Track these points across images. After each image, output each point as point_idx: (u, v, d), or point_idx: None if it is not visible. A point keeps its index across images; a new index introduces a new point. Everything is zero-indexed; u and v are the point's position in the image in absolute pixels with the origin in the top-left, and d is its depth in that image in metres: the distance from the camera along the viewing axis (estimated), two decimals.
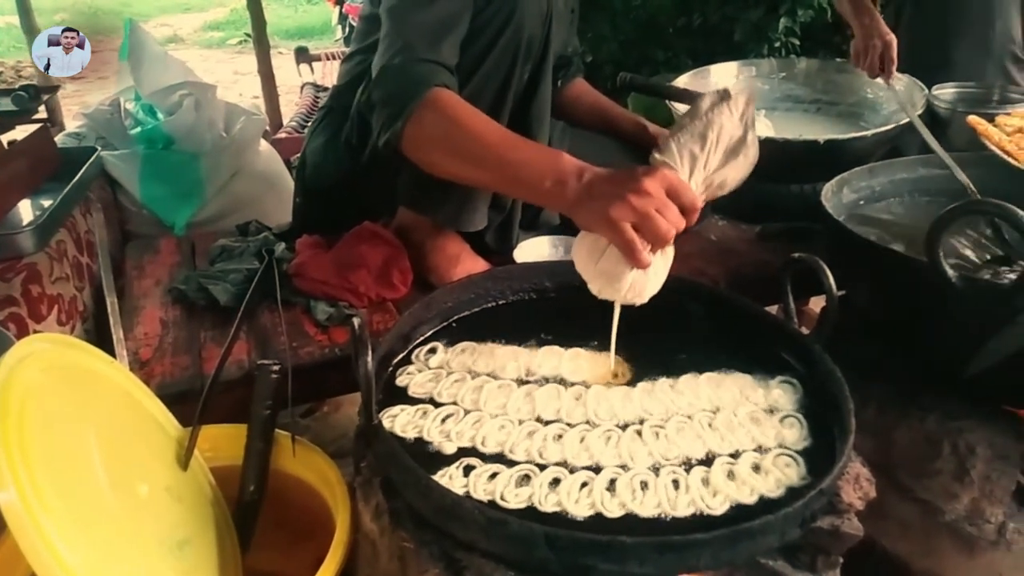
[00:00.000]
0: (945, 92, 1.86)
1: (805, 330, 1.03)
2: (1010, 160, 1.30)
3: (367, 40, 1.38)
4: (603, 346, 1.01)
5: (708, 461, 0.84)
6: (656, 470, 0.82)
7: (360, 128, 1.37)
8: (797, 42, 3.25)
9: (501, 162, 1.02)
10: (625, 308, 0.97)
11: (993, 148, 1.34)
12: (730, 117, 0.92)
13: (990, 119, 1.43)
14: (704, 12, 3.34)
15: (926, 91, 1.76)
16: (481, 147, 1.04)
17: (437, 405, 0.92)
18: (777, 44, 3.21)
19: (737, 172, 0.95)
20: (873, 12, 1.82)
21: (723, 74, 2.00)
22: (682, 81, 1.89)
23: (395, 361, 1.00)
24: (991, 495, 1.07)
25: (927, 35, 1.89)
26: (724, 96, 0.92)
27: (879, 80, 1.77)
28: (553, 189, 0.96)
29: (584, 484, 0.80)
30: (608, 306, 0.97)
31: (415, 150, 1.11)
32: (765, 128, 1.73)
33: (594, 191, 0.93)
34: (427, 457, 0.84)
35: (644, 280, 0.93)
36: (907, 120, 1.61)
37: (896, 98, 1.72)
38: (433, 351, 1.02)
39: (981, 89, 1.91)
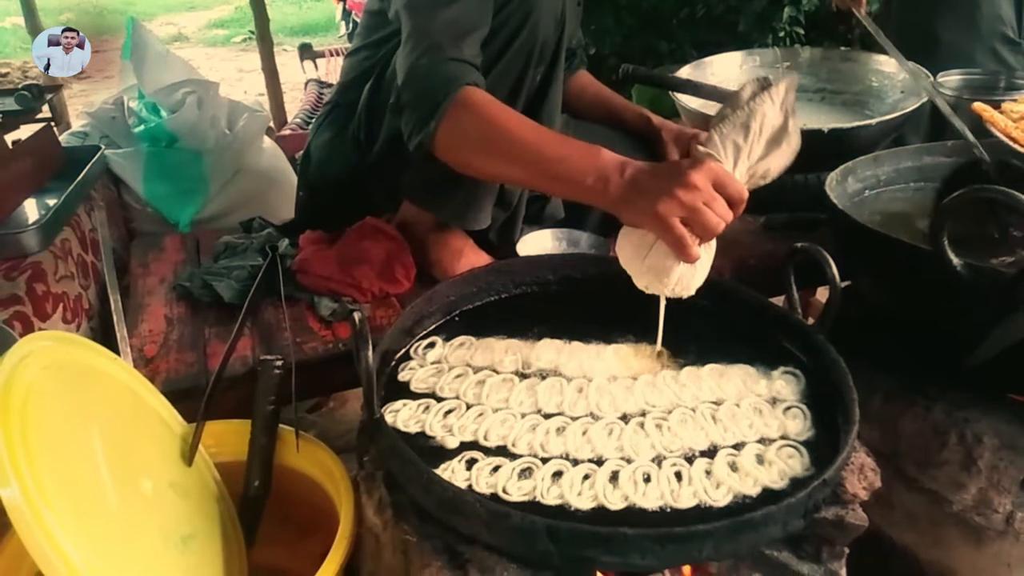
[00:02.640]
0: (950, 79, 1.84)
1: (811, 320, 1.02)
2: (1016, 146, 1.29)
3: (373, 36, 1.38)
4: (607, 339, 1.02)
5: (711, 453, 0.84)
6: (659, 462, 0.82)
7: (368, 124, 1.36)
8: (801, 31, 3.24)
9: (540, 160, 1.00)
10: (617, 300, 0.97)
11: (999, 135, 1.33)
12: (772, 106, 0.91)
13: (996, 106, 1.41)
14: (707, 3, 3.32)
15: (931, 78, 1.75)
16: (519, 145, 1.02)
17: (439, 400, 0.92)
18: (781, 33, 3.20)
19: (780, 161, 0.94)
20: None
21: (726, 64, 1.99)
22: (685, 72, 1.88)
23: (398, 356, 1.00)
24: (998, 485, 1.06)
25: (915, 16, 1.87)
26: (765, 85, 0.92)
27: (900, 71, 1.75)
28: (595, 185, 0.95)
29: (586, 476, 0.80)
30: (610, 298, 0.97)
31: (449, 150, 1.08)
32: None
33: (639, 186, 0.92)
34: (429, 451, 0.84)
35: (692, 273, 0.93)
36: (911, 108, 1.60)
37: (908, 76, 1.70)
38: (431, 346, 1.02)
39: (986, 75, 1.89)
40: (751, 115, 0.90)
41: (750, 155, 0.92)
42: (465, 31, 1.10)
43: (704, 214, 0.87)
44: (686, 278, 0.93)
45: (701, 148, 0.92)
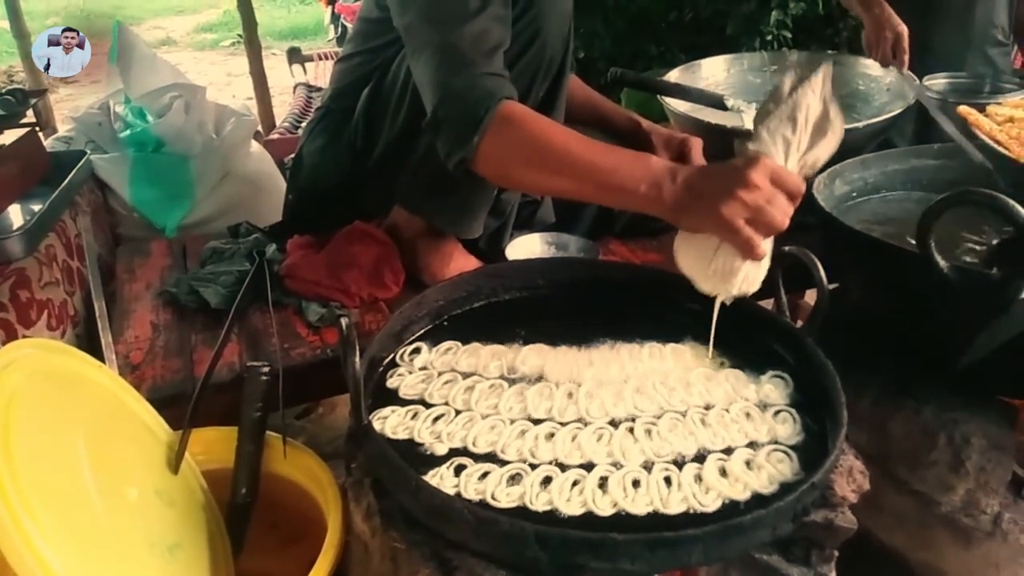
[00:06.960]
0: (936, 82, 1.85)
1: (800, 323, 1.02)
2: (1001, 149, 1.29)
3: (369, 42, 1.37)
4: (587, 344, 1.02)
5: (700, 458, 0.83)
6: (648, 468, 0.82)
7: (366, 130, 1.35)
8: (789, 35, 3.25)
9: (591, 171, 0.99)
10: (607, 304, 0.96)
11: (984, 138, 1.33)
12: (813, 96, 0.91)
13: (981, 109, 1.42)
14: (695, 6, 3.34)
15: (917, 81, 1.76)
16: (568, 157, 1.00)
17: (428, 406, 0.92)
18: (769, 37, 3.22)
19: (826, 149, 0.94)
20: (883, 2, 1.81)
21: (714, 68, 1.99)
22: (673, 76, 1.88)
23: (386, 362, 1.00)
24: (986, 486, 1.07)
25: (907, 21, 1.88)
26: (804, 75, 0.92)
27: (891, 68, 1.77)
28: (649, 193, 0.94)
29: (575, 482, 0.80)
30: (600, 302, 0.96)
31: (493, 165, 1.06)
32: None
33: (696, 191, 0.91)
34: (418, 458, 0.84)
35: (756, 270, 0.93)
36: (898, 111, 1.60)
37: (894, 80, 1.71)
38: (417, 351, 1.02)
39: (972, 79, 1.91)
40: (796, 107, 0.90)
41: (799, 147, 0.92)
42: (494, 45, 1.08)
43: (768, 212, 0.87)
44: (751, 275, 0.94)
45: (750, 146, 0.91)
